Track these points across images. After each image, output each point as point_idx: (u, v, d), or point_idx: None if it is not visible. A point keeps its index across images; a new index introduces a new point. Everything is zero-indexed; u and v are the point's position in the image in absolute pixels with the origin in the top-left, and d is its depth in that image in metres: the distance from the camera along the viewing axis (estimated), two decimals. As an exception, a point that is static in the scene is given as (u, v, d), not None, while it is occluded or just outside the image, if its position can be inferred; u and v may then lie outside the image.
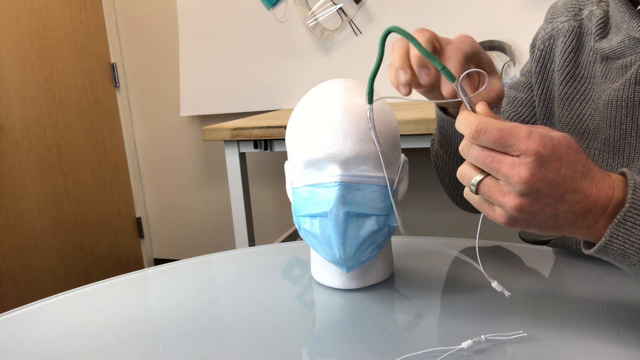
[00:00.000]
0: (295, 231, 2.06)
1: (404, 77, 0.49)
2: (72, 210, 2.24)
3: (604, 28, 0.66)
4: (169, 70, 2.35)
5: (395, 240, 0.68)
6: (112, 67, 2.42)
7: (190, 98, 2.25)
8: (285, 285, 0.67)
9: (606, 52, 0.65)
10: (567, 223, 0.43)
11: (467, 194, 0.44)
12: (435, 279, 0.67)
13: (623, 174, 0.44)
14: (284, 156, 2.17)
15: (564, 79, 0.70)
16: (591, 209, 0.42)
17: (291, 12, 2.02)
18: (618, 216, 0.42)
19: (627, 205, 0.41)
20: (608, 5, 0.67)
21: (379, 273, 0.64)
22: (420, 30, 0.48)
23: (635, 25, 0.60)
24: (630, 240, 0.42)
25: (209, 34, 2.17)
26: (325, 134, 0.55)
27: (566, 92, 0.70)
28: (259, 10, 2.02)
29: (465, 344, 0.48)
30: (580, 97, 0.69)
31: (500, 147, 0.40)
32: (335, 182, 0.55)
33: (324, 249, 0.57)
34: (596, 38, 0.67)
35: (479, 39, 1.74)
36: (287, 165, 0.66)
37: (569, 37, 0.70)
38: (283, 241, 1.97)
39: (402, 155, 0.64)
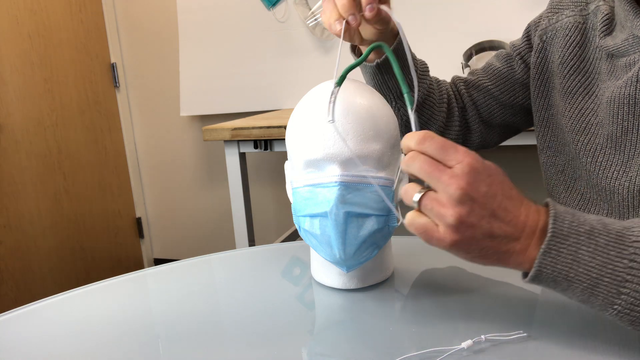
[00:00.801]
0: (295, 231, 2.06)
1: (339, 27, 0.60)
2: (72, 211, 2.24)
3: (609, 25, 0.66)
4: (169, 70, 2.35)
5: (395, 240, 0.68)
6: (112, 67, 2.42)
7: (190, 98, 2.25)
8: (285, 285, 0.67)
9: (610, 49, 0.65)
10: (502, 244, 0.45)
11: (411, 219, 0.46)
12: (435, 279, 0.67)
13: (546, 205, 0.46)
14: (284, 156, 2.16)
15: (567, 72, 0.70)
16: (522, 229, 0.45)
17: (291, 12, 2.02)
18: (542, 246, 0.44)
19: (549, 235, 0.44)
20: (614, 1, 0.67)
21: (379, 273, 0.64)
22: None
23: (638, 23, 0.60)
24: (557, 267, 0.44)
25: (209, 34, 2.17)
26: (325, 134, 0.55)
27: (569, 86, 0.70)
28: (259, 10, 2.02)
29: (465, 344, 0.48)
30: (583, 91, 0.69)
31: (441, 154, 0.44)
32: (335, 182, 0.55)
33: (324, 249, 0.57)
34: (601, 35, 0.67)
35: (479, 39, 1.74)
36: (287, 165, 0.66)
37: (573, 32, 0.70)
38: (283, 241, 1.97)
39: (402, 156, 0.64)
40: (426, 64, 0.82)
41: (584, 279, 0.43)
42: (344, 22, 0.60)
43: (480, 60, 1.78)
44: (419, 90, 0.78)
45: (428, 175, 0.44)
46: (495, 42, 1.73)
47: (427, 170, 0.44)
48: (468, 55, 1.74)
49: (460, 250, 0.45)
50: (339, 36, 0.61)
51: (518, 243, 0.45)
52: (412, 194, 0.45)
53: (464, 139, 0.88)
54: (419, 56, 0.81)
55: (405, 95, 0.49)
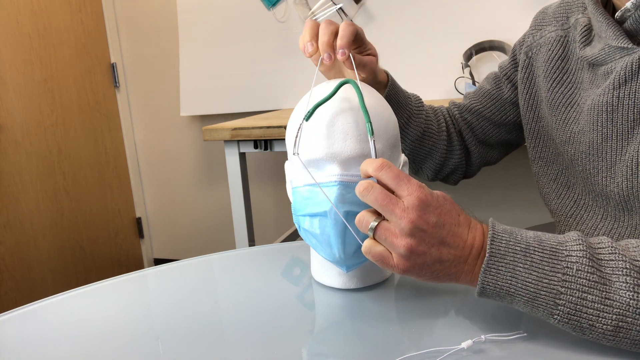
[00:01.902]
0: (295, 231, 2.06)
1: (310, 48, 0.63)
2: (72, 210, 2.24)
3: (588, 35, 0.69)
4: (169, 70, 2.35)
5: (395, 240, 0.68)
6: (112, 67, 2.42)
7: (190, 98, 2.25)
8: (285, 285, 0.67)
9: (590, 59, 0.67)
10: (452, 266, 0.48)
11: (368, 247, 0.49)
12: (435, 279, 0.67)
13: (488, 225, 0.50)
14: (284, 156, 2.16)
15: (551, 85, 0.73)
16: (469, 252, 0.48)
17: (291, 12, 2.02)
18: (483, 266, 0.47)
19: (487, 255, 0.47)
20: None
21: (379, 273, 0.64)
22: (346, 24, 0.63)
23: (611, 33, 0.61)
24: (498, 284, 0.47)
25: (209, 33, 2.16)
26: (326, 134, 0.55)
27: (553, 98, 0.73)
28: (259, 11, 2.02)
29: (465, 344, 0.48)
30: (565, 102, 0.71)
31: (395, 183, 0.47)
32: (335, 181, 0.55)
33: (323, 248, 0.57)
34: (581, 46, 0.69)
35: (479, 39, 1.74)
36: (287, 165, 0.66)
37: (555, 45, 0.73)
38: (283, 241, 1.97)
39: (402, 156, 0.64)
40: (420, 98, 0.85)
41: (524, 293, 0.47)
42: (320, 59, 0.63)
43: (480, 61, 1.78)
44: (416, 125, 0.82)
45: (382, 207, 0.47)
46: (495, 42, 1.73)
47: (381, 203, 0.47)
48: (468, 55, 1.73)
49: (413, 275, 0.49)
50: (308, 56, 0.64)
51: (466, 264, 0.49)
52: (367, 222, 0.48)
53: (465, 162, 0.91)
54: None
55: (367, 125, 0.52)
